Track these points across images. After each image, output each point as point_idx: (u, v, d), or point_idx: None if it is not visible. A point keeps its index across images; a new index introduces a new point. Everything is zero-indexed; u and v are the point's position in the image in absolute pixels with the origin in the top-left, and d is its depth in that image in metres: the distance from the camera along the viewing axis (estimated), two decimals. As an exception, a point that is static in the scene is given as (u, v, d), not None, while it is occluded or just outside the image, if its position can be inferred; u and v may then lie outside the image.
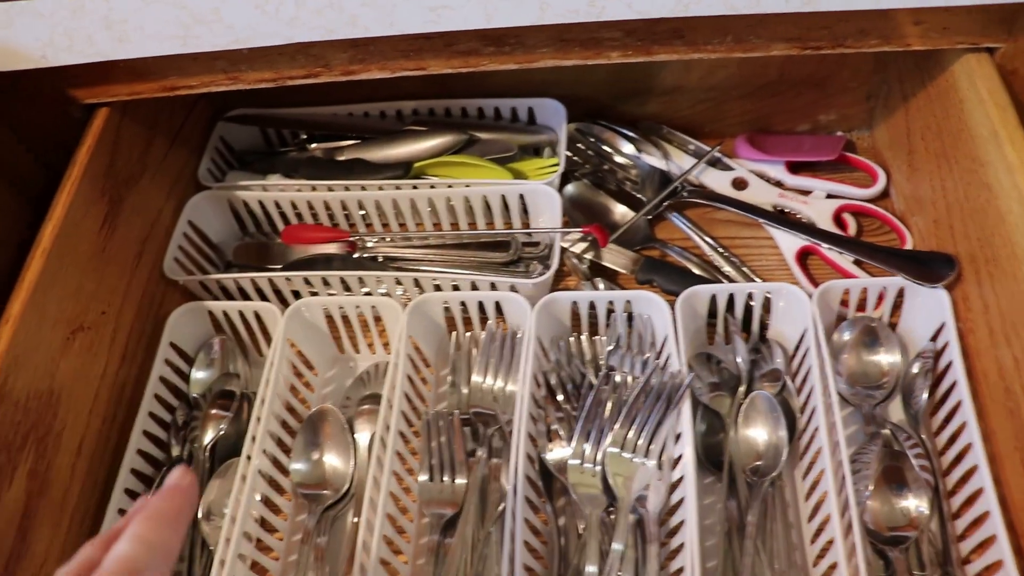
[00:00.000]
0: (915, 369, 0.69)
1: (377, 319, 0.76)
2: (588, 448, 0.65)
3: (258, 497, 0.67)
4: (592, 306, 0.72)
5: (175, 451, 0.73)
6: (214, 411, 0.74)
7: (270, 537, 0.68)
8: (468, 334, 0.76)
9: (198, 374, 0.77)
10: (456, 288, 0.75)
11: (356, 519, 0.68)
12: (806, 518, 0.66)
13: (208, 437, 0.72)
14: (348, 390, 0.77)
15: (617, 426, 0.64)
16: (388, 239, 0.81)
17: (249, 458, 0.67)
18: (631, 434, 0.64)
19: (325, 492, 0.69)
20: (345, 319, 0.76)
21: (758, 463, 0.66)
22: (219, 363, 0.77)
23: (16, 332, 0.61)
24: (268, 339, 0.77)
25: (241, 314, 0.76)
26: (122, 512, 0.67)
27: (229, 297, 0.80)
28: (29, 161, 0.74)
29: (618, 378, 0.68)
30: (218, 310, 0.77)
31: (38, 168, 0.75)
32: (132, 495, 0.68)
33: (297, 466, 0.70)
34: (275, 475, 0.70)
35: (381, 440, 0.66)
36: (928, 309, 0.69)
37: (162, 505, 0.39)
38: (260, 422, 0.68)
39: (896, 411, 0.70)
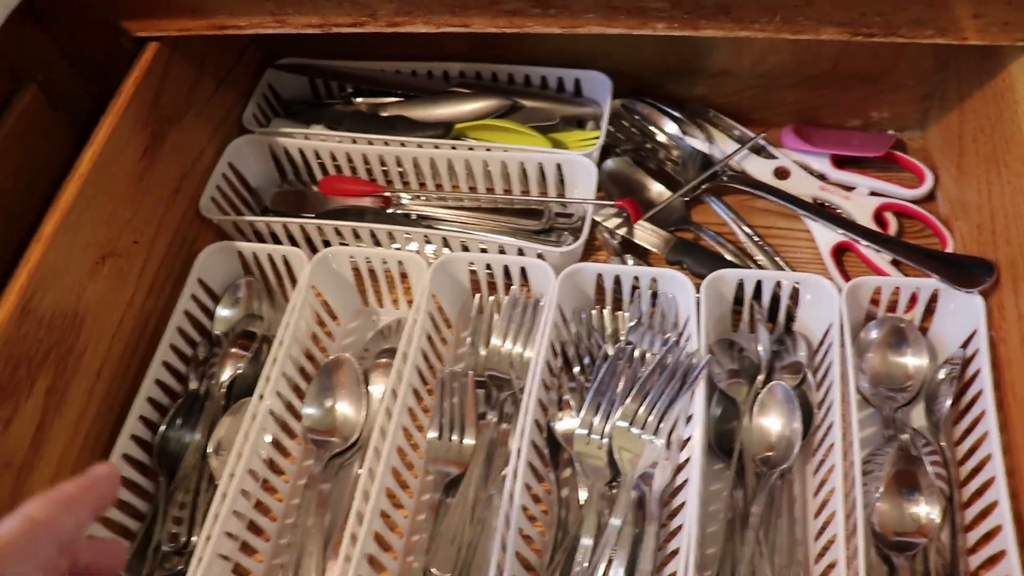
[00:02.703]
0: (941, 375, 0.67)
1: (403, 275, 0.76)
2: (597, 420, 0.64)
3: (268, 438, 0.68)
4: (617, 280, 0.71)
5: (192, 385, 0.74)
6: (234, 350, 0.75)
7: (276, 479, 0.69)
8: (492, 298, 0.76)
9: (223, 312, 0.78)
10: (484, 251, 0.75)
11: (362, 470, 0.69)
12: (812, 514, 0.64)
13: (226, 375, 0.73)
14: (368, 343, 0.77)
15: (628, 400, 0.64)
16: (422, 197, 0.81)
17: (261, 397, 0.67)
18: (642, 410, 0.64)
19: (334, 439, 0.70)
20: (371, 272, 0.77)
21: (769, 454, 0.65)
22: (244, 303, 0.78)
23: (47, 252, 0.62)
24: (294, 284, 0.78)
25: (270, 257, 0.77)
26: (135, 439, 0.68)
27: (261, 240, 0.81)
28: (77, 88, 0.75)
29: (636, 353, 0.67)
30: (248, 251, 0.77)
31: (86, 96, 0.76)
32: (147, 423, 0.70)
33: (309, 410, 0.71)
34: (287, 418, 0.70)
35: (393, 392, 0.66)
36: (961, 314, 0.67)
37: (68, 488, 0.40)
38: (276, 363, 0.69)
39: (918, 417, 0.68)
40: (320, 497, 0.68)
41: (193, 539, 0.66)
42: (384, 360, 0.74)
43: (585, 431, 0.64)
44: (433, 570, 0.63)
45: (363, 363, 0.74)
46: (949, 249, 0.73)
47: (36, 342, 0.62)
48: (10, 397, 0.60)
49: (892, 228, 0.77)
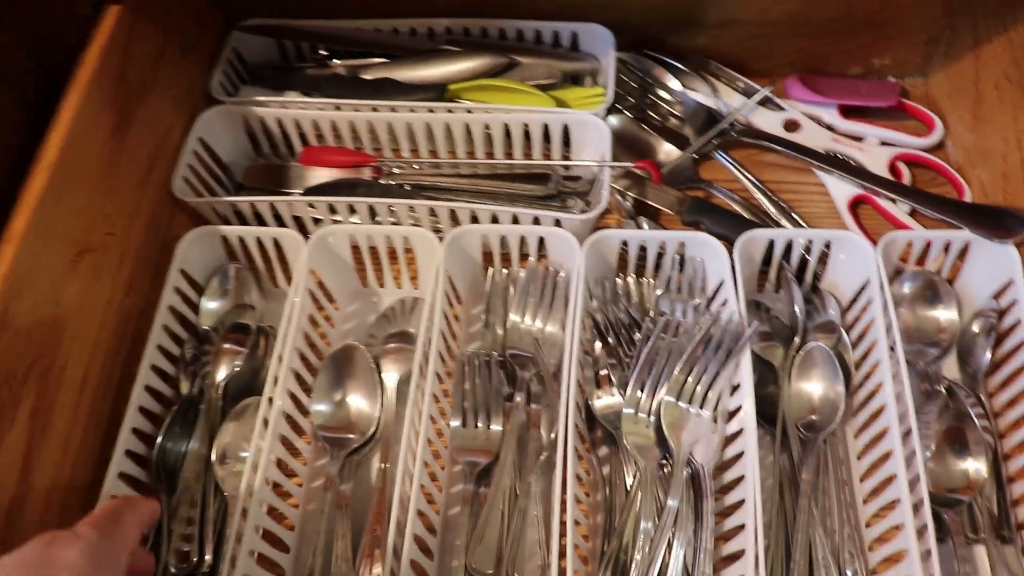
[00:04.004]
0: (975, 328, 0.66)
1: (407, 251, 0.71)
2: (643, 397, 0.61)
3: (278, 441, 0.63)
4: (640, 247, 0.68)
5: (184, 387, 0.67)
6: (227, 345, 0.68)
7: (289, 482, 0.63)
8: (504, 271, 0.71)
9: (209, 304, 0.71)
10: (495, 220, 0.70)
11: (384, 464, 0.64)
12: (858, 477, 0.63)
13: (221, 374, 0.67)
14: (371, 327, 0.72)
15: (675, 374, 0.61)
16: (416, 166, 0.75)
17: (271, 401, 0.62)
18: (689, 382, 0.61)
19: (350, 436, 0.65)
20: (372, 251, 0.71)
21: (812, 417, 0.64)
22: (233, 293, 0.71)
23: (19, 252, 0.55)
24: (285, 269, 0.72)
25: (259, 241, 0.70)
26: (130, 454, 0.62)
27: (242, 222, 0.74)
28: (28, 62, 0.66)
29: (670, 323, 0.64)
30: (233, 235, 0.71)
31: (37, 71, 0.67)
32: (140, 435, 0.63)
33: (320, 407, 0.65)
34: (295, 415, 0.65)
35: (417, 385, 0.61)
36: (993, 266, 0.66)
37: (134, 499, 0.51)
38: (283, 361, 0.63)
39: (950, 370, 0.68)
40: (342, 499, 0.63)
41: (207, 557, 0.60)
42: (394, 345, 0.69)
43: (632, 410, 0.61)
44: (475, 567, 0.59)
45: (371, 350, 0.69)
46: (967, 198, 0.72)
47: (16, 358, 0.55)
48: (-8, 423, 0.53)
49: (906, 178, 0.75)
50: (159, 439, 0.64)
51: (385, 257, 0.71)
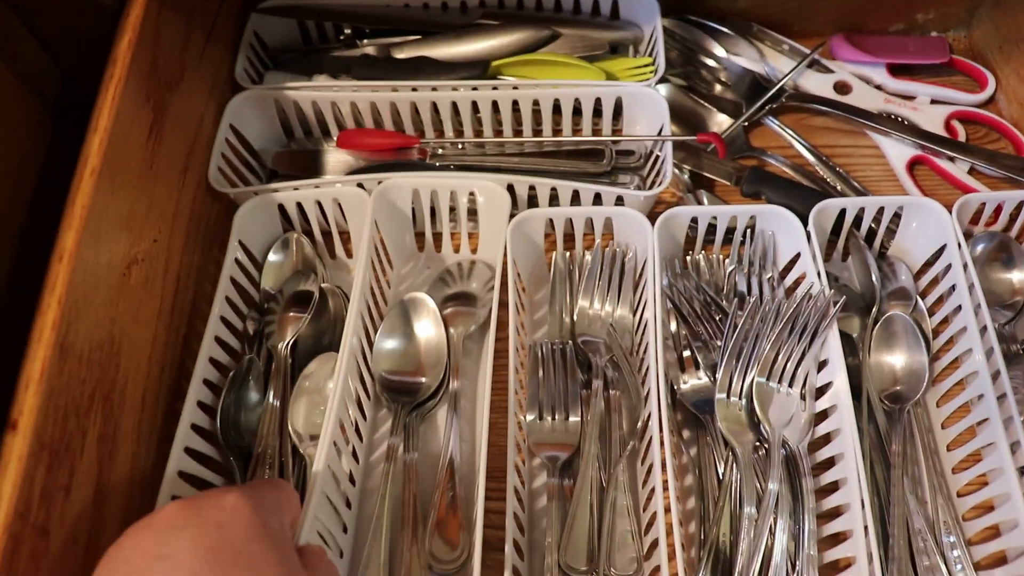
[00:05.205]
0: (1051, 286, 0.66)
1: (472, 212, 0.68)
2: (735, 380, 0.59)
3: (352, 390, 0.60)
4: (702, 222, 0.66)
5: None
6: (291, 313, 0.65)
7: (354, 437, 0.61)
8: (567, 253, 0.69)
9: (270, 274, 0.68)
10: (553, 197, 0.67)
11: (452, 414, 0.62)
12: (944, 446, 0.62)
13: (288, 335, 0.64)
14: (430, 289, 0.68)
15: (765, 353, 0.59)
16: (461, 146, 0.72)
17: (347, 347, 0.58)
18: (779, 361, 0.59)
19: (421, 380, 0.62)
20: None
21: (897, 388, 0.63)
22: (293, 260, 0.69)
23: (74, 271, 0.50)
24: (344, 241, 0.70)
25: (319, 205, 0.67)
26: (190, 451, 0.57)
27: (281, 212, 0.70)
28: (46, 62, 0.61)
29: (751, 301, 0.62)
30: (290, 202, 0.67)
31: (55, 71, 0.62)
32: (205, 408, 0.59)
33: (388, 345, 0.63)
34: (363, 371, 0.62)
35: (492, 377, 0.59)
36: (1067, 224, 0.65)
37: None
38: (352, 315, 0.60)
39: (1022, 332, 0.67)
40: (408, 470, 0.60)
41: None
42: (452, 308, 0.67)
43: (724, 395, 0.59)
44: (568, 564, 0.57)
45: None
46: (1026, 154, 0.72)
47: (80, 384, 0.51)
48: (65, 459, 0.49)
49: (961, 136, 0.74)
50: (220, 403, 0.60)
51: (445, 216, 0.69)
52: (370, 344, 0.63)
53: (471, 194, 0.66)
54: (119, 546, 0.40)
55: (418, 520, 0.59)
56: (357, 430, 0.61)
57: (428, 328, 0.64)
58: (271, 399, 0.61)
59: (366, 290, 0.62)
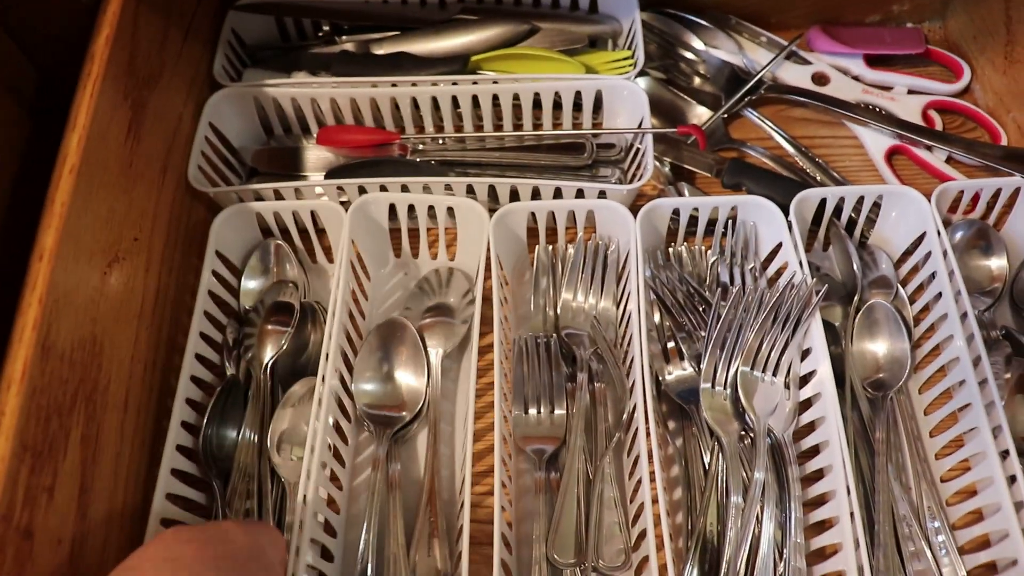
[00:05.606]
0: (1031, 274, 0.66)
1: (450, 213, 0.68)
2: (719, 370, 0.60)
3: (331, 422, 0.60)
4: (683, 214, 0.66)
5: (229, 372, 0.64)
6: (271, 326, 0.64)
7: (336, 464, 0.60)
8: (549, 247, 0.69)
9: (250, 284, 0.68)
10: (535, 195, 0.67)
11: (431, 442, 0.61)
12: (927, 432, 0.63)
13: (267, 355, 0.63)
14: (408, 300, 0.68)
15: (748, 343, 0.59)
16: (442, 141, 0.72)
17: (323, 380, 0.59)
18: (762, 351, 0.59)
19: (401, 414, 0.62)
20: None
21: (879, 375, 0.63)
22: (273, 271, 0.68)
23: (55, 270, 0.50)
24: (323, 244, 0.70)
25: (294, 215, 0.67)
26: (176, 472, 0.58)
27: (259, 216, 0.69)
28: (22, 60, 0.60)
29: (733, 291, 0.63)
30: (268, 211, 0.67)
31: (31, 69, 0.61)
32: (188, 428, 0.60)
33: (367, 386, 0.62)
34: (342, 396, 0.62)
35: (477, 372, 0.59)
36: (1044, 211, 0.66)
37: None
38: (332, 338, 0.60)
39: (1002, 318, 0.68)
40: (392, 479, 0.60)
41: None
42: (431, 319, 0.66)
43: (708, 385, 0.60)
44: (555, 556, 0.57)
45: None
46: (1003, 143, 0.72)
47: (62, 384, 0.50)
48: (48, 460, 0.48)
49: (939, 125, 0.75)
50: (204, 425, 0.60)
51: (423, 228, 0.68)
52: (349, 369, 0.63)
53: (449, 208, 0.66)
54: (124, 565, 0.42)
55: (410, 540, 0.58)
56: (340, 456, 0.61)
57: (406, 357, 0.64)
58: (246, 431, 0.61)
59: (344, 318, 0.62)
